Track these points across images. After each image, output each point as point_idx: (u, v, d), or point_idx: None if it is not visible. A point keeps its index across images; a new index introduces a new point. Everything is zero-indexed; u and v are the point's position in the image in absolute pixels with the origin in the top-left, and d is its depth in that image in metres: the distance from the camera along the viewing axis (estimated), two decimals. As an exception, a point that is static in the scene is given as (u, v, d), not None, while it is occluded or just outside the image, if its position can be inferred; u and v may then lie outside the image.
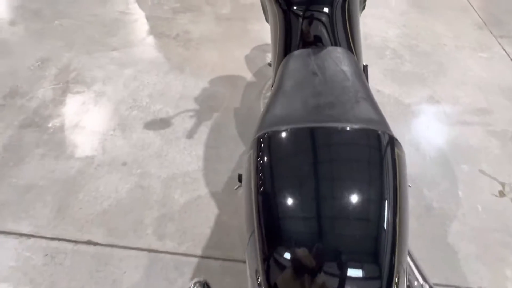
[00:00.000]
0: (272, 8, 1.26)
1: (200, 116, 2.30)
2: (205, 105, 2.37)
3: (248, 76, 2.61)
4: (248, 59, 2.74)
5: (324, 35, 1.15)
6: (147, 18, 3.03)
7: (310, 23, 1.16)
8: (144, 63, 2.63)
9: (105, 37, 2.82)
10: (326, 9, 1.16)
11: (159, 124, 2.24)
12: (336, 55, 1.09)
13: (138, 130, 2.19)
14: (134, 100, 2.37)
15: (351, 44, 1.18)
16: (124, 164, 2.00)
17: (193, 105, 2.36)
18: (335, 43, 1.15)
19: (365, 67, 1.44)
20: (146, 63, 2.63)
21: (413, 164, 2.07)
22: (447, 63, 2.92)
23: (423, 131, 2.30)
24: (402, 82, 2.69)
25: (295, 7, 1.17)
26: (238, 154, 2.11)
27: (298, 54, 1.13)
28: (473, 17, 3.49)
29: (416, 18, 3.40)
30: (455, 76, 2.81)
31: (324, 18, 1.15)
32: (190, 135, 2.18)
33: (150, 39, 2.83)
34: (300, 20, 1.16)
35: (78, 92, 2.39)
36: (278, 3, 1.21)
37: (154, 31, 2.91)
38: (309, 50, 1.13)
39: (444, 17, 3.45)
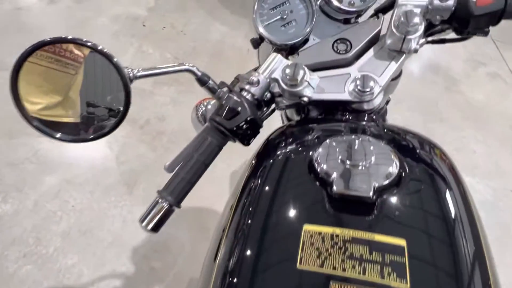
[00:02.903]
0: None
1: (129, 291, 1.37)
2: (145, 267, 1.44)
3: (227, 212, 1.67)
4: (234, 180, 1.81)
5: None
6: (116, 86, 2.14)
7: None
8: (80, 168, 1.71)
9: (44, 111, 1.93)
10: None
11: (57, 301, 1.32)
12: None
13: (17, 311, 1.28)
14: (37, 240, 1.45)
15: None
16: None
17: (126, 264, 1.44)
18: None
19: None
20: (83, 168, 1.71)
21: None
22: (514, 226, 1.96)
23: None
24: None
25: None
26: None
27: None
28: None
29: (472, 139, 2.42)
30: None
31: None
32: (98, 336, 1.25)
33: (106, 124, 1.92)
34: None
35: (-44, 212, 1.48)
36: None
37: (117, 109, 2.01)
38: None
39: (509, 142, 2.47)
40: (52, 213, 1.54)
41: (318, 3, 0.74)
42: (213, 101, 0.89)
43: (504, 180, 2.19)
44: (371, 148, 0.51)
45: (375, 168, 0.49)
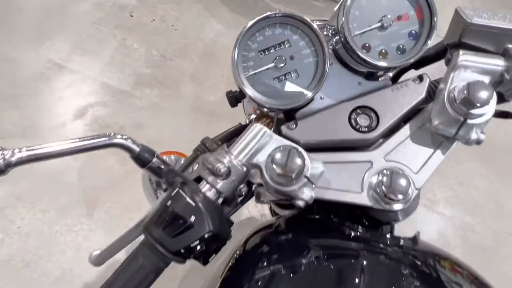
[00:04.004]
0: None
1: None
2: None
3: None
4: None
5: None
6: (90, 83, 1.87)
7: None
8: (34, 180, 1.46)
9: None
10: None
11: None
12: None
13: None
14: (-31, 270, 1.21)
15: None
16: None
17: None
18: None
19: None
20: (38, 181, 1.46)
21: None
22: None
23: None
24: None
25: None
26: None
27: None
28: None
29: (475, 173, 2.21)
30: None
31: None
32: None
33: (73, 128, 1.66)
34: None
35: None
36: None
37: (88, 111, 1.75)
38: None
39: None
40: (-9, 234, 1.29)
41: (331, 43, 0.50)
42: (174, 156, 0.65)
43: (506, 223, 1.99)
44: None
45: None
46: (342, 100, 0.48)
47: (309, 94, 0.45)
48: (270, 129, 0.48)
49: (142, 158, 0.43)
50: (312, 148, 0.44)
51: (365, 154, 0.44)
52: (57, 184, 1.47)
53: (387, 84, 0.48)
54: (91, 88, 1.84)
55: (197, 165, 0.46)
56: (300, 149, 0.40)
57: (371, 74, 0.49)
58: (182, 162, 0.65)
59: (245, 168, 0.40)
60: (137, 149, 0.43)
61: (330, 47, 0.50)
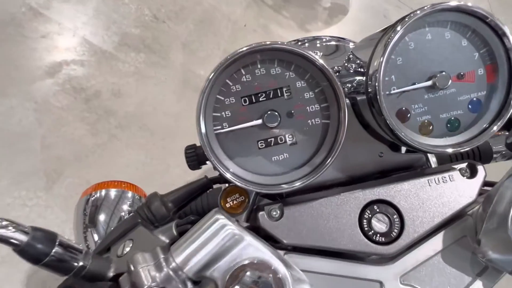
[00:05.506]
0: None
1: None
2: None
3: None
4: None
5: None
6: (69, 37, 1.65)
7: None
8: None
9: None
10: None
11: None
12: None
13: None
14: None
15: None
16: None
17: (15, 293, 1.09)
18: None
19: None
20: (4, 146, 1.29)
21: None
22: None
23: None
24: None
25: None
26: None
27: None
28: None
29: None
30: None
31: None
32: None
33: (42, 87, 1.47)
34: None
35: None
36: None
37: (62, 69, 1.55)
38: None
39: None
40: None
41: (349, 85, 0.34)
42: (118, 191, 0.49)
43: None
44: None
45: None
46: (353, 175, 0.33)
47: (299, 182, 0.29)
48: (243, 210, 0.33)
49: (32, 252, 0.28)
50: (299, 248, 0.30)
51: (374, 269, 0.30)
52: (16, 148, 1.30)
53: (419, 161, 0.33)
54: (69, 43, 1.63)
55: (130, 246, 0.32)
56: (281, 269, 0.26)
57: (395, 145, 0.34)
58: (130, 196, 0.51)
59: (190, 287, 0.26)
60: (23, 239, 0.28)
61: (347, 86, 0.34)
